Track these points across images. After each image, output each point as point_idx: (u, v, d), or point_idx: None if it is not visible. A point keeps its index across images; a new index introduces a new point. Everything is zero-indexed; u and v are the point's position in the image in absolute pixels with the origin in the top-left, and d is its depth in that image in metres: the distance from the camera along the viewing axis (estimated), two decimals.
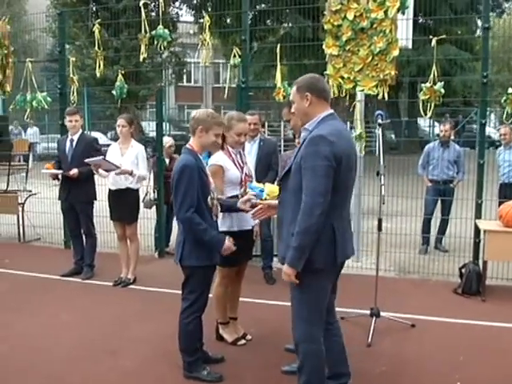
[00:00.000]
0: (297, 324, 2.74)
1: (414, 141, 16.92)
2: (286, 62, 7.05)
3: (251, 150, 5.38)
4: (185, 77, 27.13)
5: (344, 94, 5.27)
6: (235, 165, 3.68)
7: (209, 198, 3.18)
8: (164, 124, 6.82)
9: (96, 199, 5.60)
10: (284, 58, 5.84)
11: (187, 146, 3.23)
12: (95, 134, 11.92)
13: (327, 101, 2.76)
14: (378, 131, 4.17)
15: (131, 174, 5.10)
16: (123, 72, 6.47)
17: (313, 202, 2.51)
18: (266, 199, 3.34)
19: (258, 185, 3.59)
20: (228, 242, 3.22)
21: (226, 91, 6.14)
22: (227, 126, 3.68)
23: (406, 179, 6.59)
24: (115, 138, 9.62)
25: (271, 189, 3.40)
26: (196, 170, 3.09)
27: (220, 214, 3.69)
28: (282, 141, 12.66)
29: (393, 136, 19.89)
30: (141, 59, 6.32)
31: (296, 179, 2.64)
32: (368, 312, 4.11)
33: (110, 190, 5.30)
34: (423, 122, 19.70)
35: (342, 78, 5.27)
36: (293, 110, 2.87)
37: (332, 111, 2.76)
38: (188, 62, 23.51)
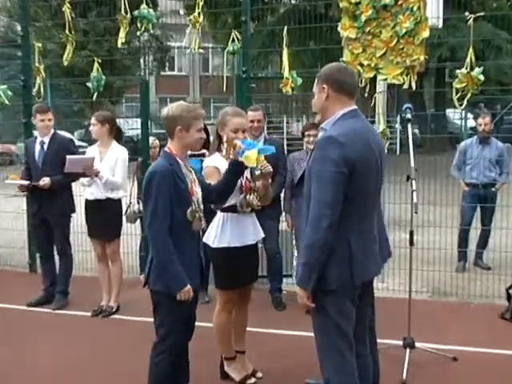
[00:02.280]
0: (322, 356, 2.79)
1: (442, 137, 17.02)
2: (291, 48, 7.11)
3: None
4: (167, 64, 27.26)
5: (363, 85, 5.34)
6: None
7: (189, 210, 3.17)
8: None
9: (74, 211, 5.64)
10: (285, 42, 5.88)
11: (165, 148, 3.27)
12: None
13: (350, 95, 2.81)
14: (408, 128, 4.23)
15: (97, 175, 5.15)
16: (99, 60, 6.52)
17: (319, 213, 2.59)
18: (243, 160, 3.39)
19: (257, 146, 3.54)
20: (188, 290, 3.10)
21: (225, 82, 6.19)
22: (221, 123, 3.75)
23: (437, 183, 6.65)
24: (87, 139, 9.63)
25: (250, 156, 3.38)
26: (169, 177, 3.09)
27: (215, 227, 3.76)
28: (285, 140, 12.75)
29: (416, 131, 20.02)
30: (119, 44, 6.38)
31: (309, 185, 2.73)
32: (400, 343, 4.15)
33: (86, 200, 5.35)
34: (453, 114, 19.77)
35: (361, 65, 5.34)
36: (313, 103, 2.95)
37: (354, 108, 2.82)
38: (172, 47, 23.67)
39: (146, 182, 3.11)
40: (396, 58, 5.23)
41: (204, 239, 3.70)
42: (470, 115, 18.82)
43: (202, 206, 3.29)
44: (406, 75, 5.24)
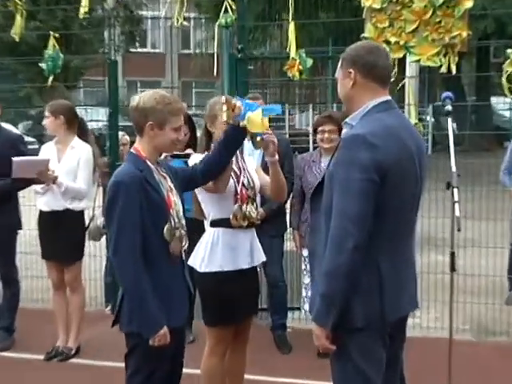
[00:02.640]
0: None
1: (486, 133, 17.03)
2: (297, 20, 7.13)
3: (253, 152, 5.46)
4: (138, 39, 27.37)
5: None
6: None
7: (165, 227, 3.16)
8: (107, 110, 6.89)
9: (21, 228, 5.63)
10: (291, 12, 5.91)
11: (132, 149, 3.28)
12: None
13: (383, 83, 2.84)
14: (449, 123, 4.25)
15: (54, 181, 5.16)
16: (56, 35, 6.54)
17: (343, 231, 2.61)
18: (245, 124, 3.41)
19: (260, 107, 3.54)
20: (163, 334, 3.09)
21: (216, 62, 6.21)
22: (211, 116, 3.79)
23: (480, 192, 6.68)
24: (38, 135, 9.60)
25: (255, 118, 3.40)
26: (139, 187, 3.08)
27: (203, 246, 3.77)
28: (288, 135, 12.80)
29: (454, 126, 20.03)
30: (81, 15, 6.40)
31: (328, 195, 2.74)
32: None
33: (40, 212, 5.36)
34: (501, 104, 19.69)
35: (388, 42, 5.39)
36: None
37: (388, 98, 2.84)
38: (144, 17, 23.73)
39: (110, 196, 3.10)
40: (431, 33, 5.31)
41: (190, 262, 3.72)
42: None
43: (183, 221, 3.29)
44: (444, 56, 5.30)
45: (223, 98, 3.53)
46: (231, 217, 3.74)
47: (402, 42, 5.37)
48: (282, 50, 6.44)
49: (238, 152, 3.87)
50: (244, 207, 3.76)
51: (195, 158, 3.78)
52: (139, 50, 28.60)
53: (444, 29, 5.26)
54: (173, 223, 3.19)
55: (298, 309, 5.99)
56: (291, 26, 5.83)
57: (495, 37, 16.97)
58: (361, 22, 5.59)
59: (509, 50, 5.25)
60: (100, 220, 6.25)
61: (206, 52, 23.57)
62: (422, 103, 15.10)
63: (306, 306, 5.44)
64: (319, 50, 8.65)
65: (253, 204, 3.83)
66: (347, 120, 2.85)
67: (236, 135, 3.43)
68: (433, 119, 19.01)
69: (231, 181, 3.75)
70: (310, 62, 5.79)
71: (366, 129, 2.68)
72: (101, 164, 6.21)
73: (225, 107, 3.46)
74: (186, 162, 3.99)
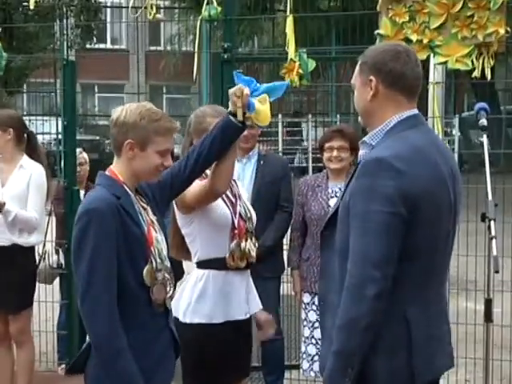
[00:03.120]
0: None
1: None
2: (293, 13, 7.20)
3: (243, 175, 5.54)
4: (96, 33, 27.38)
5: None
6: (222, 198, 3.81)
7: (145, 269, 3.15)
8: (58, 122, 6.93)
9: None
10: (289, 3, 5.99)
11: (106, 172, 3.29)
12: None
13: (411, 95, 2.89)
14: (484, 140, 4.32)
15: (0, 209, 5.18)
16: None
17: (362, 275, 2.63)
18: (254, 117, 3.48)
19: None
20: None
21: (195, 67, 6.25)
22: (198, 130, 3.83)
23: None
24: None
25: (265, 111, 3.46)
26: (115, 217, 3.08)
27: (189, 290, 3.78)
28: (281, 152, 12.86)
29: (484, 142, 20.13)
30: (31, 5, 6.46)
31: (344, 232, 2.77)
32: None
33: None
34: None
35: (408, 41, 5.40)
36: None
37: (415, 112, 2.90)
38: (103, 6, 23.79)
39: (79, 228, 3.09)
40: (462, 30, 5.30)
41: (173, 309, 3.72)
42: None
43: (167, 263, 3.30)
44: (477, 57, 5.29)
45: (239, 91, 3.44)
46: (227, 256, 3.75)
47: (425, 41, 5.37)
48: (274, 48, 6.44)
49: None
50: (243, 244, 3.78)
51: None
52: (97, 46, 28.62)
53: (477, 24, 5.26)
54: (154, 264, 3.18)
55: (297, 367, 5.99)
56: (289, 21, 5.86)
57: None
58: (374, 16, 5.60)
59: None
60: (53, 258, 6.28)
61: (179, 50, 23.74)
62: (447, 114, 15.24)
63: (305, 364, 5.48)
64: (321, 49, 8.72)
65: (251, 239, 3.86)
66: (366, 139, 2.89)
67: (236, 130, 3.49)
68: (459, 133, 19.14)
69: (226, 211, 3.78)
70: (312, 64, 5.79)
71: (389, 150, 2.71)
72: (54, 188, 6.25)
73: (239, 102, 3.44)
74: None
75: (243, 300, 3.83)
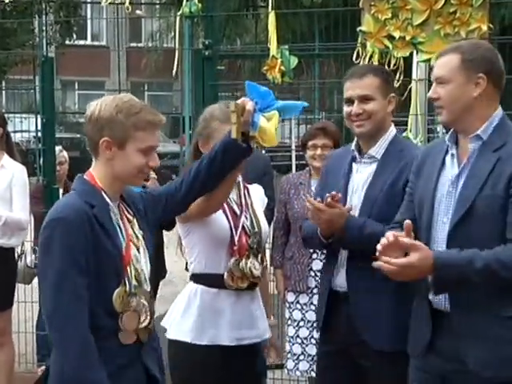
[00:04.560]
0: None
1: None
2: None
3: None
4: (75, 30, 27.29)
5: (393, 68, 5.42)
6: (223, 208, 3.61)
7: (116, 291, 2.86)
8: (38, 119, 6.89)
9: None
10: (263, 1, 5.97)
11: (85, 175, 3.01)
12: None
13: (501, 92, 3.15)
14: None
15: None
16: None
17: None
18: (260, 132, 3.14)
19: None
20: None
21: (175, 64, 6.24)
22: (206, 135, 3.59)
23: None
24: None
25: (270, 130, 3.12)
26: (84, 228, 2.79)
27: (180, 300, 3.59)
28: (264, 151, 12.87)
29: None
30: None
31: (493, 223, 3.00)
32: None
33: None
34: None
35: (391, 38, 5.42)
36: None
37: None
38: (83, 2, 23.70)
39: (43, 237, 2.83)
40: (444, 27, 5.31)
41: (162, 322, 3.63)
42: None
43: (146, 287, 3.01)
44: None
45: (233, 105, 3.12)
46: (226, 275, 3.54)
47: (408, 38, 5.38)
48: (257, 45, 6.44)
49: (240, 181, 3.72)
50: (243, 262, 3.53)
51: None
52: (77, 42, 28.51)
53: (460, 21, 5.28)
54: (128, 287, 2.89)
55: (281, 366, 5.96)
56: (271, 17, 5.85)
57: None
58: (357, 12, 5.57)
59: None
60: (31, 258, 6.25)
61: (161, 46, 23.68)
62: (430, 112, 15.25)
63: (291, 364, 5.47)
64: (303, 46, 8.71)
65: (256, 257, 3.61)
66: (479, 132, 3.06)
67: (240, 151, 3.18)
68: (444, 130, 19.16)
69: (225, 224, 3.57)
70: (294, 61, 5.79)
71: None
72: (33, 188, 6.23)
73: (234, 117, 3.08)
74: (143, 187, 3.91)
75: (235, 324, 3.55)
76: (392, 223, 3.38)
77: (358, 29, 5.46)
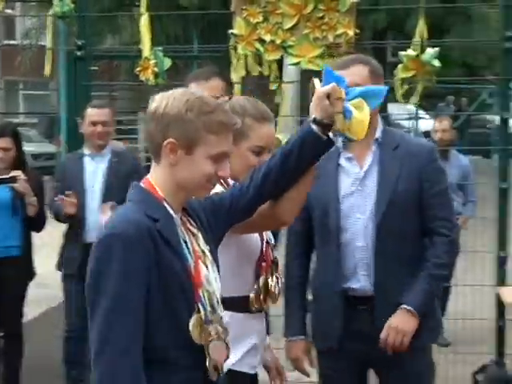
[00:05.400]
0: None
1: None
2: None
3: (95, 173, 5.66)
4: None
5: (266, 72, 5.53)
6: None
7: (192, 319, 2.41)
8: None
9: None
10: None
11: (141, 183, 2.55)
12: None
13: None
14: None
15: None
16: None
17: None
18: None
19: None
20: None
21: (46, 64, 6.20)
22: (238, 132, 2.86)
23: None
24: None
25: (363, 120, 2.75)
26: (147, 248, 2.35)
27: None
28: (144, 152, 12.82)
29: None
30: None
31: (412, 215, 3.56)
32: None
33: None
34: (397, 109, 20.17)
35: (262, 41, 5.49)
36: None
37: None
38: None
39: (96, 258, 2.37)
40: (313, 31, 5.41)
41: None
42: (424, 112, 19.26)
43: (220, 311, 2.53)
44: (328, 58, 5.37)
45: (342, 92, 2.71)
46: (252, 296, 3.07)
47: (278, 41, 5.45)
48: (133, 46, 6.42)
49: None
50: (270, 280, 3.11)
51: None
52: None
53: (327, 26, 5.37)
54: (203, 313, 2.43)
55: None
56: (144, 19, 5.83)
57: (392, 32, 17.69)
58: (229, 16, 5.64)
59: (402, 53, 5.40)
60: None
61: (37, 44, 23.20)
62: (303, 114, 15.45)
63: None
64: (181, 48, 8.71)
65: (276, 272, 3.20)
66: (377, 135, 3.50)
67: (321, 145, 2.71)
68: None
69: (257, 236, 3.12)
70: (167, 62, 5.78)
71: None
72: None
73: (340, 106, 2.69)
74: (12, 189, 3.78)
75: (258, 350, 3.14)
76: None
77: (229, 32, 5.53)
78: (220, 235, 2.72)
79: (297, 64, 5.57)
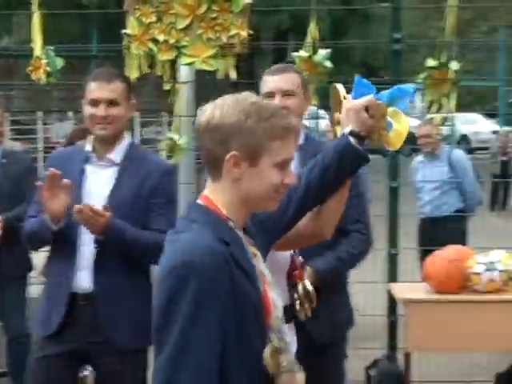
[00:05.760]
0: None
1: None
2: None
3: None
4: None
5: (160, 72, 5.54)
6: None
7: (268, 349, 2.23)
8: None
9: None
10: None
11: (199, 200, 2.35)
12: None
13: None
14: None
15: None
16: None
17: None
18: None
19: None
20: None
21: None
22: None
23: None
24: None
25: (403, 129, 2.69)
26: (225, 276, 2.16)
27: None
28: (43, 151, 12.70)
29: None
30: None
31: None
32: None
33: None
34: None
35: (155, 41, 5.48)
36: (284, 105, 3.43)
37: None
38: None
39: (169, 288, 2.17)
40: (206, 32, 5.42)
41: None
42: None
43: (286, 336, 2.33)
44: (222, 58, 5.43)
45: (361, 104, 2.61)
46: (297, 304, 3.08)
47: (172, 41, 5.45)
48: (28, 45, 6.32)
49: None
50: (308, 285, 3.12)
51: None
52: None
53: (221, 27, 5.38)
54: (275, 342, 2.24)
55: None
56: (35, 17, 5.77)
57: (294, 33, 17.93)
58: (123, 15, 5.56)
59: (295, 54, 5.48)
60: None
61: None
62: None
63: None
64: (80, 46, 8.65)
65: (308, 281, 3.17)
66: None
67: (358, 158, 2.62)
68: None
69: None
70: (60, 62, 5.74)
71: None
72: None
73: (384, 122, 2.65)
74: None
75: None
76: None
77: (122, 31, 5.50)
78: (266, 254, 2.54)
79: (191, 64, 5.56)
